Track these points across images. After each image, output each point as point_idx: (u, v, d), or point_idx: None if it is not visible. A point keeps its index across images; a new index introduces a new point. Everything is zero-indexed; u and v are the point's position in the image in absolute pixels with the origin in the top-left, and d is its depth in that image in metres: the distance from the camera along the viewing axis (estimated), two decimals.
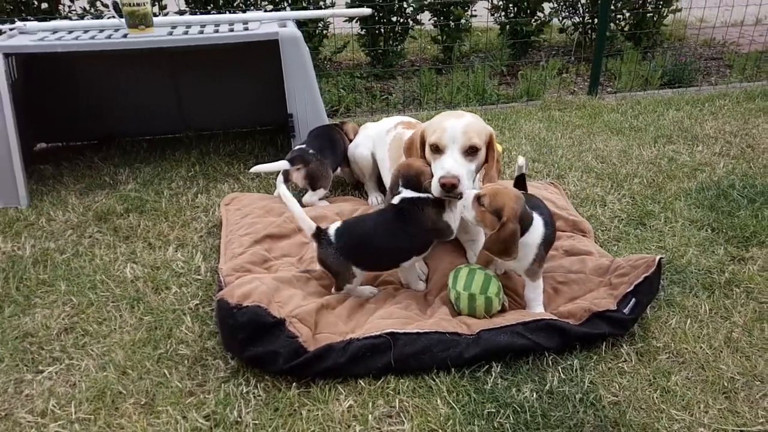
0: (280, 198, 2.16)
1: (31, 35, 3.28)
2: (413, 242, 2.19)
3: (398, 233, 2.17)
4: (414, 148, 2.35)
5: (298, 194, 3.02)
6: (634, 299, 2.04)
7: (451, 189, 2.11)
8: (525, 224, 2.05)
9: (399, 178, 2.23)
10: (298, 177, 2.95)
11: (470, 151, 2.20)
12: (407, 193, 2.19)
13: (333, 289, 2.23)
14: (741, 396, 1.83)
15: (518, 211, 2.01)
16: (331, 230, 2.18)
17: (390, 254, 2.21)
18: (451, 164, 2.14)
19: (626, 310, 2.02)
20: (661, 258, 2.16)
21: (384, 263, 2.26)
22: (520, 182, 2.42)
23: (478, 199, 2.07)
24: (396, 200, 2.21)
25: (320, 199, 3.01)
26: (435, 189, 2.15)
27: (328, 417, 1.78)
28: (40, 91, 3.78)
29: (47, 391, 1.89)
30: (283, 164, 2.93)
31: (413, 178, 2.19)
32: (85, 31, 3.36)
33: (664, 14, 5.79)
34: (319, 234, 2.17)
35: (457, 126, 2.19)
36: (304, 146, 3.02)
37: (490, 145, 2.27)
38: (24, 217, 3.00)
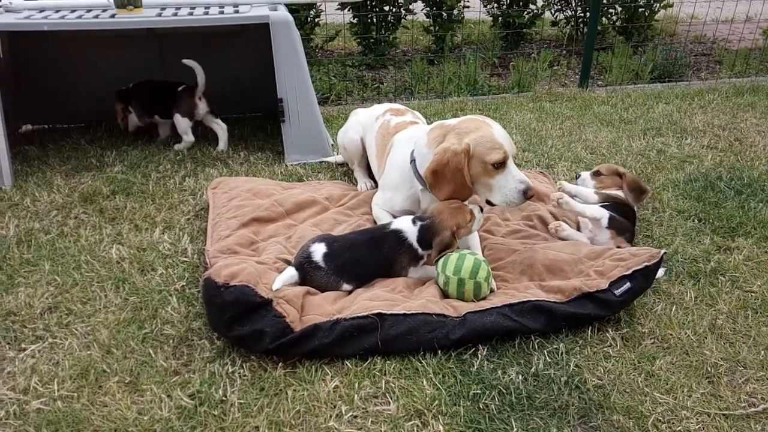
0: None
1: (17, 13, 3.23)
2: (389, 263, 2.26)
3: (381, 254, 2.23)
4: (458, 171, 2.22)
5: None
6: (628, 283, 2.04)
7: (533, 197, 2.29)
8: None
9: (426, 225, 2.21)
10: (203, 105, 3.59)
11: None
12: (410, 231, 2.22)
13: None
14: (724, 381, 1.85)
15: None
16: (318, 256, 2.16)
17: (371, 270, 2.25)
18: (523, 175, 2.28)
19: (618, 292, 2.02)
20: (665, 252, 2.17)
21: (371, 276, 2.26)
22: None
23: (595, 173, 2.77)
24: (396, 226, 2.25)
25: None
26: (513, 200, 2.24)
27: (314, 397, 1.77)
28: (26, 72, 3.72)
29: (30, 369, 1.87)
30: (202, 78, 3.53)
31: (430, 234, 2.20)
32: (72, 11, 3.31)
33: (656, 9, 5.82)
34: (302, 266, 2.15)
35: (505, 136, 2.28)
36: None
37: None
38: (8, 197, 2.96)
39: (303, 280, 2.14)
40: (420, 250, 2.22)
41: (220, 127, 3.66)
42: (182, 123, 3.58)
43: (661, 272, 2.27)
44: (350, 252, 2.19)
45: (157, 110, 3.68)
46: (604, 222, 2.42)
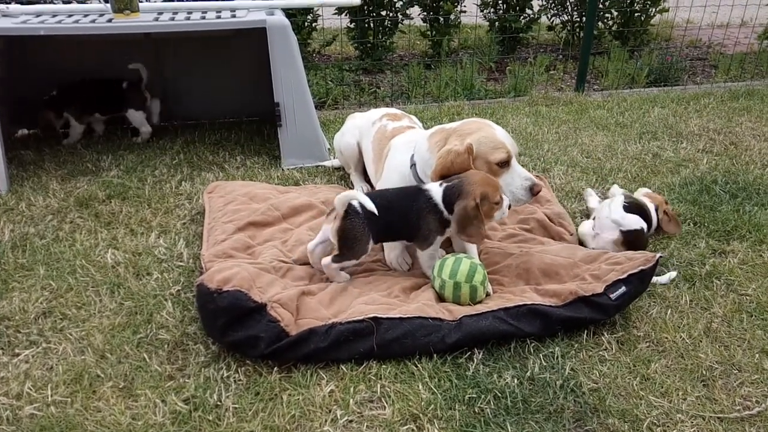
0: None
1: (14, 18, 3.23)
2: (411, 225, 2.20)
3: (405, 208, 2.20)
4: (464, 172, 2.21)
5: None
6: (624, 287, 2.05)
7: (539, 193, 2.30)
8: None
9: (452, 185, 2.16)
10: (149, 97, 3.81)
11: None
12: (435, 191, 2.17)
13: (330, 259, 2.18)
14: (719, 384, 1.85)
15: None
16: (355, 202, 2.14)
17: (394, 226, 2.21)
18: (527, 172, 2.29)
19: (613, 296, 2.02)
20: (660, 256, 2.17)
21: (391, 234, 2.26)
22: None
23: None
24: (425, 185, 2.23)
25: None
26: (521, 198, 2.25)
27: (309, 401, 1.77)
28: (23, 76, 3.72)
29: (23, 374, 1.86)
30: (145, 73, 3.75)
31: (455, 195, 2.14)
32: (69, 16, 3.32)
33: (652, 14, 5.84)
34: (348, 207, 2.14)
35: (507, 135, 2.31)
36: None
37: None
38: (3, 202, 2.95)
39: (340, 228, 2.12)
40: (446, 213, 2.16)
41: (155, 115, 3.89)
42: (138, 116, 3.77)
43: (672, 275, 2.34)
44: (381, 198, 2.19)
45: (98, 108, 3.79)
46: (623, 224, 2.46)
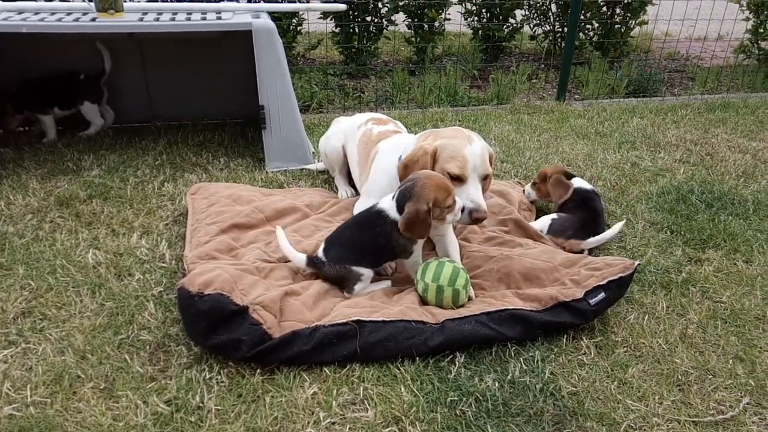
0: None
1: None
2: (385, 246, 2.19)
3: (371, 236, 2.18)
4: (422, 170, 2.21)
5: None
6: (603, 293, 2.09)
7: (481, 221, 2.23)
8: None
9: (405, 188, 2.13)
10: (105, 92, 3.83)
11: (486, 178, 2.30)
12: (389, 207, 2.16)
13: (345, 293, 2.21)
14: (694, 389, 1.89)
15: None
16: (320, 253, 2.22)
17: (371, 253, 2.21)
18: (479, 196, 2.22)
19: (592, 302, 2.06)
20: (638, 264, 2.21)
21: (374, 261, 2.24)
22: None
23: (533, 184, 2.99)
24: (379, 206, 2.20)
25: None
26: (456, 216, 2.18)
27: (292, 403, 1.77)
28: (3, 74, 3.67)
29: (2, 375, 1.84)
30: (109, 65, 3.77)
31: (406, 197, 2.11)
32: (52, 13, 3.28)
33: (632, 26, 5.96)
34: (313, 261, 2.21)
35: (476, 154, 2.24)
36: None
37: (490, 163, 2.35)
38: None
39: (322, 277, 2.23)
40: None
41: (110, 115, 3.95)
42: (92, 109, 3.80)
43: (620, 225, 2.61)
44: (341, 235, 2.24)
45: (57, 102, 3.75)
46: (545, 231, 2.71)
